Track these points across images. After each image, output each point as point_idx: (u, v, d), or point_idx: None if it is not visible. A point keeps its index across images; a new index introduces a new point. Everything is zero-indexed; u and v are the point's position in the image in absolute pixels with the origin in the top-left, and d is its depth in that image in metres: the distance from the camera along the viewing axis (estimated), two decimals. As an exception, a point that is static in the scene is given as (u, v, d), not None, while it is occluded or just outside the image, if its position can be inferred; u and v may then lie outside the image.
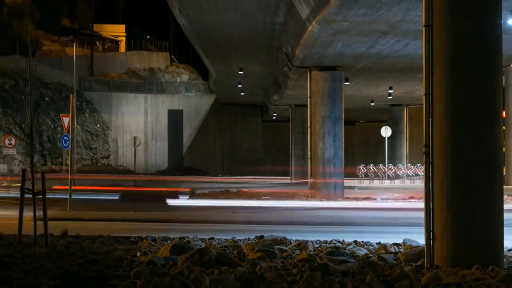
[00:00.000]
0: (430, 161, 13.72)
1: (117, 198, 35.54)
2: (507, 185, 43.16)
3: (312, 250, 15.55)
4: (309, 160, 36.52)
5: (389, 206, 30.96)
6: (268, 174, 72.71)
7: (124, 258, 13.88)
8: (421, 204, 14.55)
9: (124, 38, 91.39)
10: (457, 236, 13.28)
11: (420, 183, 46.10)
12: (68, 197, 27.18)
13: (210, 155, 78.74)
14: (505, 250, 14.65)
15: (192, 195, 37.82)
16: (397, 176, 55.47)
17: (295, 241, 16.85)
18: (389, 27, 25.93)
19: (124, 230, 20.05)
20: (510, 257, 14.90)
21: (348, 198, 34.72)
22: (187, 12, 31.49)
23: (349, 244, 16.80)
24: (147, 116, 76.97)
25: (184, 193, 38.10)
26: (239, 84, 57.71)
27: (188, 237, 17.60)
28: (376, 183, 53.13)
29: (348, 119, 55.27)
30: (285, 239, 16.85)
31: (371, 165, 56.45)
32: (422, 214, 13.92)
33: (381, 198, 34.89)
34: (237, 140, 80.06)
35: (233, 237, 17.91)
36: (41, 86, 68.06)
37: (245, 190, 40.77)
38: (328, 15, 24.14)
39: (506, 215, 13.88)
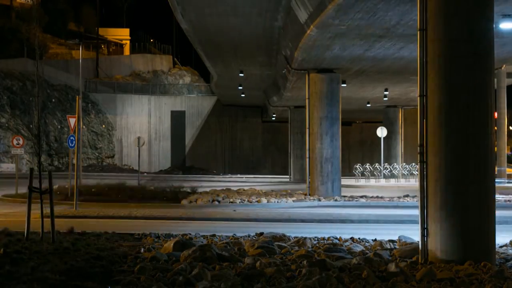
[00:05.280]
0: (425, 160, 14.04)
1: None
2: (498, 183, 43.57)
3: (310, 246, 15.81)
4: (307, 159, 36.77)
5: None
6: (268, 173, 72.94)
7: (128, 254, 14.16)
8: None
9: (128, 42, 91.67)
10: (451, 233, 13.60)
11: (415, 182, 46.43)
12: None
13: (211, 154, 79.09)
14: (497, 246, 14.98)
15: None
16: (392, 175, 55.81)
17: (294, 237, 17.15)
18: (384, 31, 26.09)
19: (128, 227, 20.35)
20: (502, 253, 15.20)
21: (344, 196, 34.96)
22: (189, 16, 31.72)
23: (346, 240, 17.08)
24: (151, 117, 77.34)
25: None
26: (240, 86, 57.92)
27: (190, 234, 17.91)
28: (372, 181, 53.43)
29: (345, 120, 55.58)
30: (284, 236, 17.12)
31: (367, 164, 56.80)
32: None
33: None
34: (237, 140, 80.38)
35: (234, 234, 18.21)
36: (48, 88, 68.28)
37: (245, 188, 41.00)
38: (325, 19, 24.31)
39: (497, 213, 14.22)
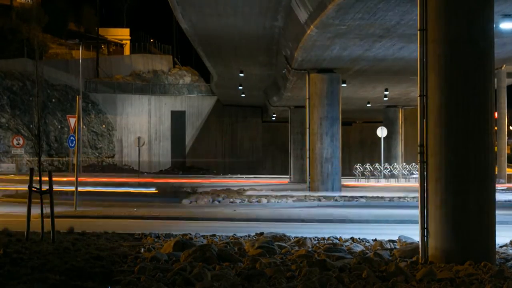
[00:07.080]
0: (425, 160, 14.03)
1: None
2: (499, 183, 43.56)
3: (310, 246, 15.79)
4: (307, 159, 36.78)
5: None
6: (268, 173, 72.92)
7: (129, 254, 14.14)
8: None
9: (128, 42, 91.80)
10: (451, 233, 13.59)
11: (415, 182, 46.40)
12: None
13: (211, 154, 79.15)
14: (497, 246, 14.94)
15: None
16: (392, 175, 55.82)
17: (294, 237, 17.12)
18: (385, 31, 26.13)
19: (128, 227, 20.33)
20: (502, 253, 15.19)
21: (344, 196, 34.92)
22: (190, 16, 31.77)
23: (346, 240, 17.05)
24: (151, 117, 77.44)
25: None
26: (240, 86, 57.99)
27: (190, 234, 17.89)
28: (372, 181, 53.44)
29: (345, 120, 55.55)
30: (284, 235, 17.11)
31: (368, 164, 56.82)
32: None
33: None
34: (237, 140, 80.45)
35: (234, 234, 18.20)
36: (48, 88, 68.34)
37: (245, 188, 41.01)
38: (326, 19, 24.35)
39: (497, 213, 14.20)
